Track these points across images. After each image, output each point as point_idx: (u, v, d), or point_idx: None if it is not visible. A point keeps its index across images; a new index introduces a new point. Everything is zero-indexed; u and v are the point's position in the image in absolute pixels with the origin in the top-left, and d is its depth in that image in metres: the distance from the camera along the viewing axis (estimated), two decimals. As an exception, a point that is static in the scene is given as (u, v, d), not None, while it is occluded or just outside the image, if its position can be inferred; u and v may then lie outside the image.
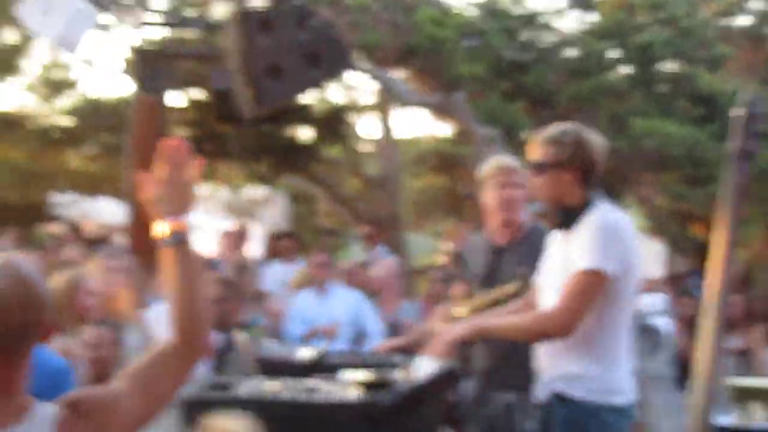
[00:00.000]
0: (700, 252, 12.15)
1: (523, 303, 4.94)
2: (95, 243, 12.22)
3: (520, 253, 5.27)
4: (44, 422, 2.60)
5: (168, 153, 3.02)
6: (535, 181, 4.74)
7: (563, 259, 4.58)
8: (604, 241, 4.43)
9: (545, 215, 4.78)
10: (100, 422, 2.63)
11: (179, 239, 2.86)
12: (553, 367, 4.60)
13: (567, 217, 4.65)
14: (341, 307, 9.42)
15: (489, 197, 5.72)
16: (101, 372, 6.03)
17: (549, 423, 4.63)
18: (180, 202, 2.95)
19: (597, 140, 4.70)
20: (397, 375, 4.34)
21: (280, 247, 12.56)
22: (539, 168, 4.69)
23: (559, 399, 4.56)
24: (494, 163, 5.89)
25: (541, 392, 4.69)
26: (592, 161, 4.65)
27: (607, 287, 4.43)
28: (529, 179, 4.81)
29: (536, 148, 4.73)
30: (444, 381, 4.11)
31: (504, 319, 4.71)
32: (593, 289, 4.40)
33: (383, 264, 10.25)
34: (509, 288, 5.59)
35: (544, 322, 4.48)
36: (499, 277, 5.50)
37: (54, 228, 14.28)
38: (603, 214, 4.57)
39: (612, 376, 4.54)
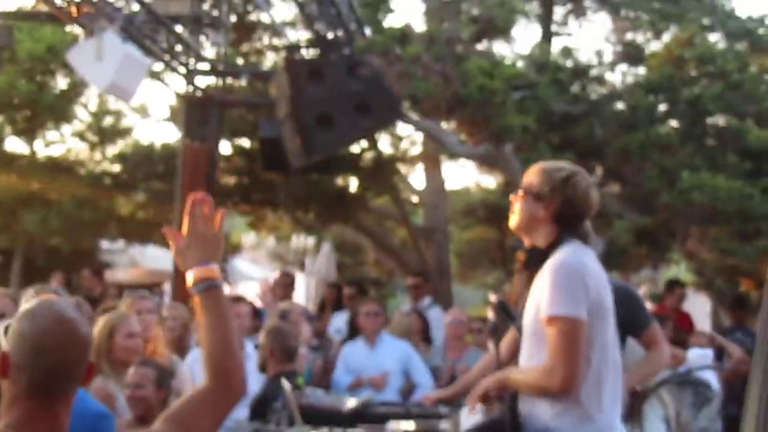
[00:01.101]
0: (745, 306, 12.05)
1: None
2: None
3: None
4: None
5: (193, 206, 3.16)
6: (514, 204, 4.64)
7: (535, 302, 4.44)
8: (566, 285, 4.30)
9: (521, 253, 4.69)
10: None
11: (208, 285, 2.99)
12: (532, 417, 4.48)
13: (534, 257, 4.53)
14: (390, 357, 9.41)
15: None
16: (144, 413, 6.05)
17: None
18: (206, 250, 3.07)
19: (589, 190, 4.57)
20: (443, 426, 4.32)
21: (343, 296, 12.48)
22: (520, 192, 4.61)
23: None
24: None
25: None
26: (573, 205, 4.51)
27: (584, 329, 4.30)
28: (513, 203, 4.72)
29: (528, 174, 4.65)
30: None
31: (521, 373, 4.63)
32: (573, 336, 4.28)
33: (452, 312, 10.24)
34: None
35: (544, 380, 4.35)
36: None
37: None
38: (566, 255, 4.42)
39: (592, 426, 4.39)
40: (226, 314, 2.98)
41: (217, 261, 3.03)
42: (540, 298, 4.38)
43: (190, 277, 3.01)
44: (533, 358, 4.49)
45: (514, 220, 4.69)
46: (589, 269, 4.42)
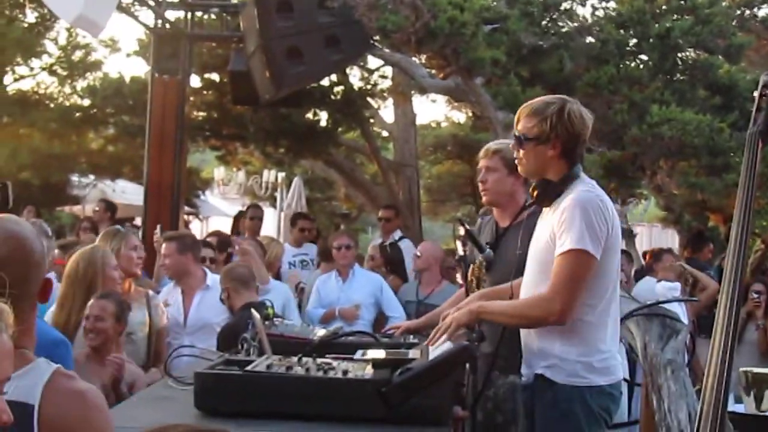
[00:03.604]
0: (700, 241, 12.14)
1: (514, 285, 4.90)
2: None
3: (517, 237, 5.15)
4: (38, 379, 2.69)
5: None
6: (518, 154, 4.67)
7: (547, 235, 4.50)
8: (587, 220, 4.34)
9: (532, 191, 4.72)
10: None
11: None
12: (536, 349, 4.56)
13: (549, 192, 4.57)
14: (362, 290, 9.45)
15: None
16: (102, 345, 6.09)
17: (533, 405, 4.60)
18: None
19: (583, 113, 4.59)
20: (412, 354, 4.36)
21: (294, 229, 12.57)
22: (520, 141, 4.62)
23: (543, 382, 4.54)
24: (484, 147, 5.87)
25: (525, 374, 4.66)
26: (575, 135, 4.55)
27: (594, 268, 4.38)
28: (515, 152, 4.71)
29: (520, 121, 4.65)
30: (457, 360, 4.11)
31: (503, 304, 4.67)
32: (583, 271, 4.34)
33: (424, 246, 10.21)
34: (474, 270, 5.65)
35: (539, 308, 4.41)
36: (498, 261, 5.47)
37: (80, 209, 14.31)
38: (585, 190, 4.47)
39: (595, 357, 4.49)
40: None
41: None
42: (558, 231, 4.42)
43: None
44: (539, 285, 4.53)
45: (523, 169, 4.73)
46: (607, 203, 4.50)
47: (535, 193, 4.64)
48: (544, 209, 4.68)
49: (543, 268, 4.51)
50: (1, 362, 2.26)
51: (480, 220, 6.29)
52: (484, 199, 5.78)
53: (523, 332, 4.68)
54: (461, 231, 5.78)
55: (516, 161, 4.75)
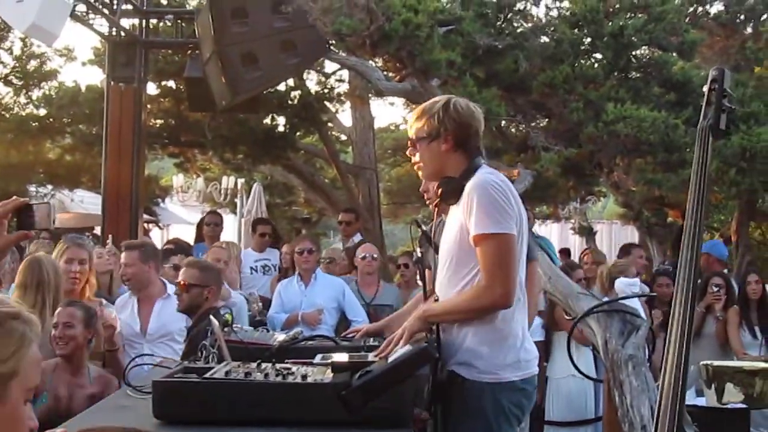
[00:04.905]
0: (673, 237, 12.23)
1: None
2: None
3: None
4: None
5: None
6: (414, 159, 4.68)
7: (456, 229, 4.50)
8: (491, 200, 4.34)
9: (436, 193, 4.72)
10: None
11: None
12: (449, 346, 4.54)
13: (452, 188, 4.55)
14: (324, 294, 9.45)
15: None
16: (72, 352, 6.06)
17: (446, 402, 4.57)
18: None
19: (470, 105, 4.62)
20: (371, 357, 4.36)
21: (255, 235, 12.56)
22: (414, 143, 4.64)
23: (455, 378, 4.52)
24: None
25: (438, 371, 4.60)
26: (464, 125, 4.56)
27: (515, 243, 4.39)
28: (413, 158, 4.71)
29: (411, 126, 4.67)
30: (417, 362, 4.12)
31: (446, 304, 4.63)
32: (508, 249, 4.34)
33: (363, 248, 10.27)
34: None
35: (484, 298, 4.37)
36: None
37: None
38: (485, 175, 4.47)
39: (506, 351, 4.48)
40: None
41: None
42: (464, 220, 4.41)
43: None
44: (451, 282, 4.53)
45: (424, 172, 4.73)
46: (510, 186, 4.49)
47: (440, 192, 4.63)
48: (451, 207, 4.68)
49: (456, 262, 4.51)
50: (33, 371, 2.31)
51: (439, 218, 6.30)
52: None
53: (438, 328, 4.66)
54: (418, 232, 5.79)
55: (416, 167, 4.76)
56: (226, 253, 9.33)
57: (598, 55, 12.82)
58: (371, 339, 5.60)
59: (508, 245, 4.35)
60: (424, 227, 5.77)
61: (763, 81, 13.02)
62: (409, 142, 4.72)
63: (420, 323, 4.53)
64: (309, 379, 4.12)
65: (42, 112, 20.67)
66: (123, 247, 8.16)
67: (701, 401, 7.39)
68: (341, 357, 4.42)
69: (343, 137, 21.81)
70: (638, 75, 12.69)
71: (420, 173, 4.79)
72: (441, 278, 4.65)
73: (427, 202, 5.70)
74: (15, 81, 21.48)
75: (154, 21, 15.18)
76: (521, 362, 4.53)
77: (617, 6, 12.82)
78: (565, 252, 19.20)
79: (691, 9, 15.38)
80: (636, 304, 8.63)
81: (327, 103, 19.67)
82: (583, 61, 12.71)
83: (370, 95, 18.89)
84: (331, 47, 11.75)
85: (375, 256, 9.93)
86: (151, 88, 16.86)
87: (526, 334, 4.63)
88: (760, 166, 11.07)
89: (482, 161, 4.61)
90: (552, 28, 13.02)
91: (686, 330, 3.53)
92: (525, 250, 4.59)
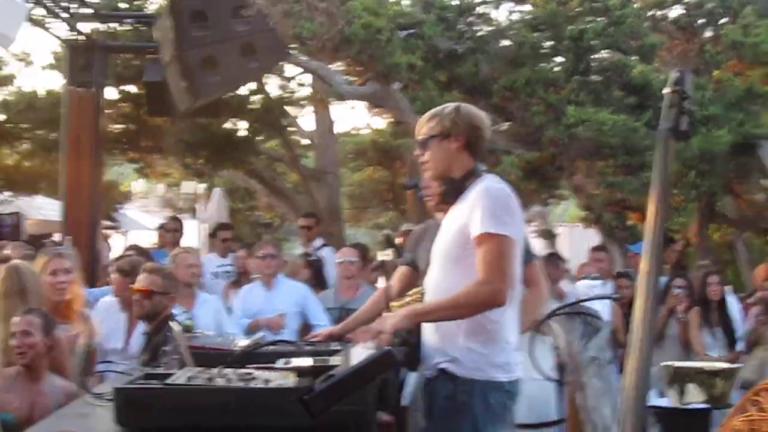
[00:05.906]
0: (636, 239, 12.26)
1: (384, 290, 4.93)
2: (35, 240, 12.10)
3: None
4: None
5: None
6: (423, 158, 4.74)
7: (455, 229, 4.55)
8: (500, 208, 4.43)
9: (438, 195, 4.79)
10: None
11: None
12: (439, 345, 4.58)
13: (452, 189, 4.66)
14: (287, 299, 9.41)
15: None
16: (32, 361, 5.98)
17: (433, 400, 4.60)
18: None
19: (478, 111, 4.74)
20: (334, 361, 4.34)
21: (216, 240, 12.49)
22: (424, 144, 4.71)
23: (445, 375, 4.55)
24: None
25: (426, 368, 4.64)
26: (475, 128, 4.67)
27: (515, 249, 4.45)
28: (420, 158, 4.78)
29: (422, 128, 4.74)
30: (381, 365, 4.10)
31: (439, 302, 4.63)
32: (507, 251, 4.39)
33: (342, 252, 10.20)
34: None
35: (481, 293, 4.37)
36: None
37: None
38: (493, 182, 4.58)
39: (497, 352, 4.52)
40: None
41: None
42: (467, 220, 4.47)
43: None
44: (446, 280, 4.56)
45: (432, 170, 4.77)
46: (515, 198, 4.57)
47: (441, 190, 4.71)
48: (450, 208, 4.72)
49: (453, 262, 4.55)
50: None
51: (424, 224, 6.28)
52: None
53: (426, 329, 4.67)
54: (383, 235, 5.80)
55: (423, 167, 4.81)
56: (196, 258, 9.18)
57: (559, 59, 12.89)
58: (334, 342, 5.58)
59: (510, 247, 4.41)
60: (389, 236, 5.80)
61: (722, 84, 13.10)
62: (417, 144, 4.77)
63: (406, 321, 4.53)
64: (271, 384, 4.09)
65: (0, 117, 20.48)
66: (115, 270, 8.05)
67: (664, 402, 7.42)
68: (304, 361, 4.39)
69: (305, 141, 21.77)
70: (599, 78, 12.77)
71: (427, 173, 4.85)
72: (434, 277, 4.69)
73: (425, 199, 5.72)
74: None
75: (113, 25, 15.07)
76: (510, 365, 4.59)
77: (578, 10, 12.88)
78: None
79: (651, 13, 15.47)
80: (598, 305, 8.64)
81: (288, 108, 19.63)
82: (543, 65, 12.77)
83: (331, 99, 18.86)
84: (292, 51, 11.73)
85: (353, 260, 9.86)
86: (111, 93, 16.74)
87: (514, 342, 4.67)
88: (720, 168, 11.15)
89: (483, 168, 4.70)
90: (513, 32, 13.07)
91: (647, 332, 3.53)
92: (519, 260, 4.61)
